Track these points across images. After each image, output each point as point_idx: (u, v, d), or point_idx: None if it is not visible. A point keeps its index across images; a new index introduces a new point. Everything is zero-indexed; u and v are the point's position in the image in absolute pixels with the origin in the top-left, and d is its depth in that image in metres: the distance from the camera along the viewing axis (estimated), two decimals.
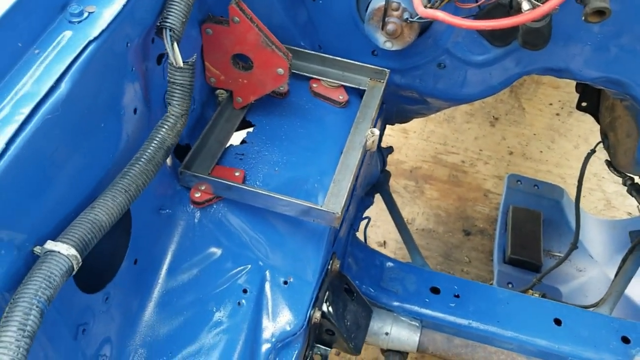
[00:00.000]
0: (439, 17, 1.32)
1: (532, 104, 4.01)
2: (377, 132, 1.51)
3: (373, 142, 1.52)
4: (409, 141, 3.80)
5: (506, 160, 3.74)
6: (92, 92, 1.04)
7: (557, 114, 3.95)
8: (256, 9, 1.48)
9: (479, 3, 1.46)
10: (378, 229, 3.31)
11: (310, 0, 1.75)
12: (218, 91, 1.61)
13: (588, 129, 3.83)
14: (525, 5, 1.27)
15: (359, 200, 2.14)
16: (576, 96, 2.39)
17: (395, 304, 1.93)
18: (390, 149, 2.45)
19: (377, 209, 2.49)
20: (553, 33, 1.45)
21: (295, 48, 1.73)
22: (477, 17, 1.56)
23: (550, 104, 3.99)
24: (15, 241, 0.93)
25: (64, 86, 0.95)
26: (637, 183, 2.32)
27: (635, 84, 1.68)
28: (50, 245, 0.95)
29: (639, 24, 1.56)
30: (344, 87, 1.74)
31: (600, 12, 1.24)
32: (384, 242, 3.30)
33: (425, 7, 1.44)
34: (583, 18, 1.25)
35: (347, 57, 1.77)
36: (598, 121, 2.42)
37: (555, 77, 1.83)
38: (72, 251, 0.95)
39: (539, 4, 1.26)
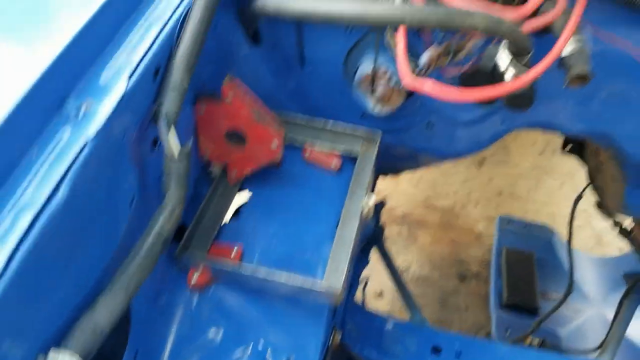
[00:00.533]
0: (425, 91, 1.34)
1: (517, 144, 4.07)
2: (372, 201, 1.52)
3: (369, 211, 1.52)
4: (400, 187, 3.82)
5: (495, 202, 3.76)
6: (91, 191, 1.03)
7: (542, 153, 4.01)
8: (246, 79, 1.50)
9: (463, 69, 1.49)
10: (374, 280, 3.28)
11: (298, 67, 1.78)
12: (212, 167, 1.61)
13: (572, 166, 3.87)
14: (509, 74, 1.30)
15: (356, 260, 2.13)
16: (559, 135, 2.43)
17: None
18: (382, 204, 2.45)
19: (372, 258, 2.48)
20: (537, 92, 1.48)
21: (286, 116, 1.74)
22: (461, 80, 1.60)
23: (534, 144, 4.05)
24: (19, 352, 0.90)
25: (62, 191, 0.93)
26: (625, 228, 2.34)
27: (619, 135, 1.72)
28: (53, 354, 0.93)
29: (618, 80, 1.60)
30: (337, 152, 1.75)
31: (581, 78, 1.27)
32: (381, 292, 3.28)
33: (412, 72, 1.47)
34: (564, 85, 1.28)
35: (338, 119, 1.79)
36: (584, 162, 2.45)
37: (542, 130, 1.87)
38: (76, 358, 0.93)
39: (523, 69, 1.29)
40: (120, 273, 1.07)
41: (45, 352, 0.93)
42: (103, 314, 1.00)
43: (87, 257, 1.04)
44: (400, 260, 3.41)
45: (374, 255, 2.45)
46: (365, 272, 2.28)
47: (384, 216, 3.49)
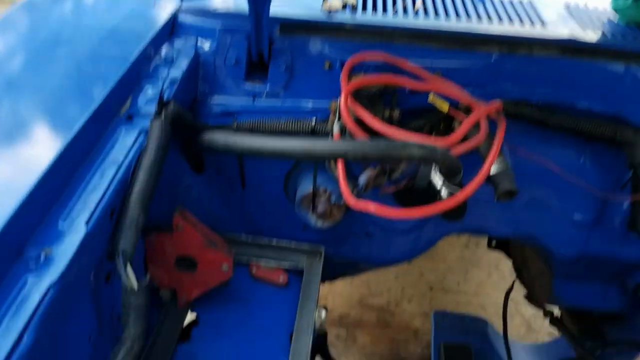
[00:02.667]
0: (371, 210, 1.44)
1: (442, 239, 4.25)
2: (324, 313, 1.57)
3: (321, 324, 1.56)
4: (334, 288, 3.86)
5: (428, 296, 3.87)
6: (53, 335, 1.02)
7: (467, 246, 4.21)
8: (193, 203, 1.55)
9: (399, 187, 1.61)
10: None
11: (240, 190, 1.85)
12: (161, 291, 1.61)
13: (497, 257, 4.08)
14: (444, 193, 1.43)
15: None
16: None
17: None
18: (326, 309, 2.48)
19: None
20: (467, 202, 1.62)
21: (232, 235, 1.79)
22: (397, 194, 1.72)
23: (459, 237, 4.26)
24: None
25: (26, 338, 0.93)
26: (556, 317, 2.48)
27: (542, 236, 1.88)
28: None
29: (537, 188, 1.79)
30: (283, 268, 1.80)
31: (509, 192, 1.42)
32: None
33: (352, 192, 1.58)
34: (495, 199, 1.42)
35: (280, 234, 1.85)
36: (509, 256, 2.62)
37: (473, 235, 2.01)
38: None
39: (456, 188, 1.42)
40: None
41: None
42: None
43: None
44: None
45: None
46: None
47: None
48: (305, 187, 1.73)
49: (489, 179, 1.42)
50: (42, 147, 1.19)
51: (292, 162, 1.78)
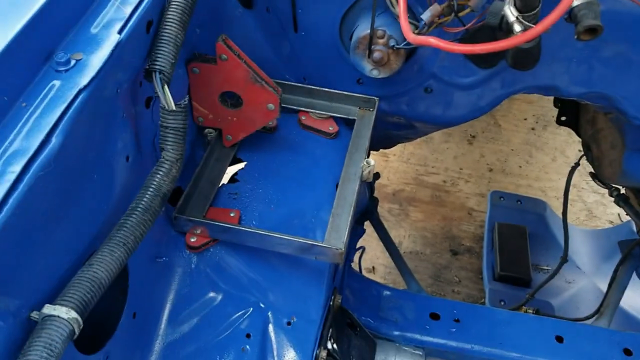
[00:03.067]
0: (432, 44, 1.30)
1: (508, 120, 4.05)
2: (372, 162, 1.49)
3: (369, 172, 1.49)
4: (390, 164, 3.79)
5: (487, 177, 3.75)
6: (84, 143, 0.99)
7: (533, 129, 4.00)
8: (239, 44, 1.45)
9: (467, 26, 1.45)
10: (366, 255, 3.25)
11: (292, 33, 1.73)
12: (207, 130, 1.57)
13: (564, 141, 3.88)
14: (517, 27, 1.26)
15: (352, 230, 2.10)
16: (550, 110, 2.42)
17: (396, 333, 1.89)
18: (377, 175, 2.42)
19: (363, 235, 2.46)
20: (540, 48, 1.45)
21: (281, 81, 1.70)
22: (462, 40, 1.56)
23: (525, 119, 4.04)
24: (10, 307, 0.86)
25: (55, 140, 0.89)
26: (623, 194, 2.33)
27: (621, 97, 1.69)
28: (48, 309, 0.88)
29: (621, 40, 1.58)
30: (333, 117, 1.71)
31: (592, 30, 1.24)
32: (373, 268, 3.26)
33: (414, 33, 1.44)
34: (576, 36, 1.25)
35: (333, 87, 1.75)
36: (579, 134, 2.44)
37: (540, 95, 1.85)
38: (73, 314, 0.89)
39: (531, 25, 1.26)
40: (119, 228, 1.04)
41: (40, 308, 0.89)
42: (101, 268, 0.95)
43: (82, 211, 1.00)
44: (393, 237, 3.33)
45: (365, 232, 2.42)
46: (359, 244, 2.26)
47: (375, 193, 3.48)
48: (362, 30, 1.59)
49: (571, 12, 1.24)
50: None
51: (349, 3, 1.63)
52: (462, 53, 1.51)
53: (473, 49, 1.28)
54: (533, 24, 1.25)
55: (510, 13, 1.26)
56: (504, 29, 1.31)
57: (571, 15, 1.24)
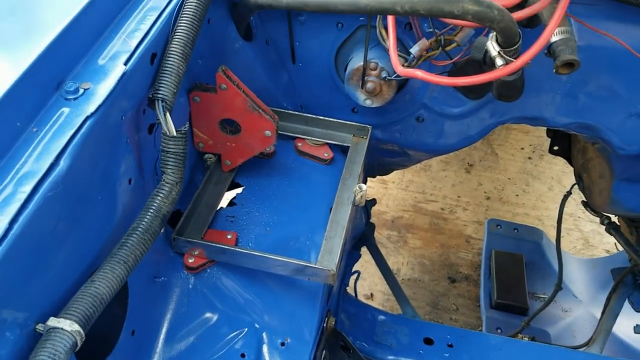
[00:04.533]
0: (418, 76, 1.38)
1: (505, 149, 4.12)
2: (364, 187, 1.55)
3: (361, 197, 1.55)
4: (389, 191, 3.86)
5: (484, 206, 3.80)
6: (90, 166, 1.05)
7: (529, 158, 4.06)
8: (239, 74, 1.53)
9: (453, 60, 1.53)
10: (364, 282, 3.31)
11: (290, 63, 1.82)
12: (206, 155, 1.64)
13: (560, 170, 3.94)
14: (499, 61, 1.34)
15: (348, 254, 2.15)
16: (546, 140, 2.48)
17: (391, 357, 1.93)
18: (373, 201, 2.49)
19: (362, 262, 2.50)
20: (525, 85, 1.52)
21: (279, 109, 1.78)
22: (450, 73, 1.64)
23: (522, 149, 4.11)
24: (18, 320, 0.92)
25: (63, 163, 0.96)
26: (614, 222, 2.38)
27: (605, 127, 1.76)
28: (53, 322, 0.94)
29: (603, 73, 1.65)
30: (328, 144, 1.78)
31: (569, 64, 1.31)
32: (371, 295, 3.29)
33: (403, 66, 1.51)
34: (554, 70, 1.32)
35: (329, 115, 1.82)
36: (571, 163, 2.50)
37: (529, 125, 1.91)
38: (76, 327, 0.94)
39: (512, 59, 1.33)
40: (120, 246, 1.09)
41: (45, 321, 0.95)
42: (103, 284, 1.01)
43: (86, 229, 1.06)
44: (391, 263, 3.40)
45: (363, 258, 2.47)
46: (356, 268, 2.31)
47: (374, 220, 3.53)
48: (356, 62, 1.67)
49: (550, 48, 1.31)
50: None
51: (344, 36, 1.71)
52: (446, 85, 1.57)
53: (457, 82, 1.35)
54: (514, 58, 1.32)
55: (493, 48, 1.33)
56: (488, 63, 1.39)
57: (550, 50, 1.32)
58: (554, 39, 1.30)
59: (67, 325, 0.93)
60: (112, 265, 1.05)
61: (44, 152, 0.96)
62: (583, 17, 1.51)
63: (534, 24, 1.49)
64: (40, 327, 0.95)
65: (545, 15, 1.33)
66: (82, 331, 0.94)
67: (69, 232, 1.01)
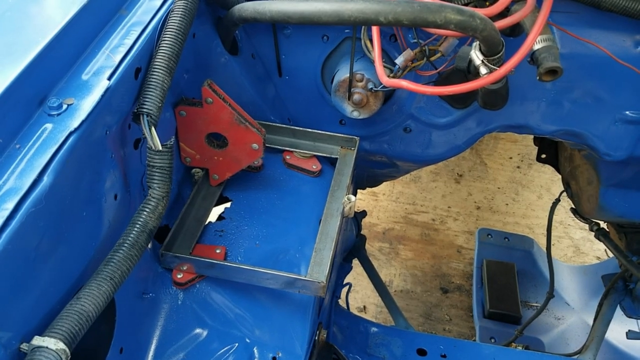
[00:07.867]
0: (403, 86, 1.39)
1: (493, 159, 4.14)
2: (353, 198, 1.55)
3: (350, 208, 1.55)
4: (379, 203, 3.86)
5: (474, 215, 3.81)
6: (74, 182, 1.04)
7: (518, 167, 4.08)
8: (226, 88, 1.53)
9: (438, 70, 1.54)
10: (357, 294, 3.30)
11: (277, 77, 1.82)
12: (194, 170, 1.63)
13: (549, 178, 3.96)
14: (483, 70, 1.35)
15: (339, 267, 2.15)
16: (535, 149, 2.49)
17: None
18: (364, 213, 2.48)
19: (354, 274, 2.50)
20: (510, 93, 1.53)
21: (266, 122, 1.78)
22: (436, 82, 1.65)
23: (510, 158, 4.13)
24: (1, 340, 0.90)
25: (46, 179, 0.95)
26: (603, 228, 2.39)
27: (591, 134, 1.77)
28: (37, 341, 0.92)
29: (587, 80, 1.67)
30: (316, 156, 1.78)
31: (552, 72, 1.32)
32: (364, 307, 3.28)
33: (388, 77, 1.52)
34: (537, 78, 1.33)
35: (316, 127, 1.82)
36: (559, 171, 2.51)
37: (515, 133, 1.92)
38: (61, 345, 0.92)
39: (495, 67, 1.34)
40: (106, 263, 1.08)
41: (30, 340, 0.93)
42: (88, 301, 1.00)
43: (71, 246, 1.05)
44: (383, 275, 3.41)
45: (355, 270, 2.46)
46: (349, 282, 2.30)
47: (365, 232, 3.52)
48: (342, 74, 1.68)
49: (532, 55, 1.33)
50: (67, 2, 1.19)
51: (330, 49, 1.72)
52: (431, 95, 1.58)
53: (442, 91, 1.36)
54: (498, 66, 1.33)
55: (477, 57, 1.34)
56: (472, 72, 1.39)
57: (533, 58, 1.33)
58: (536, 46, 1.32)
59: (52, 344, 0.92)
60: (98, 281, 1.04)
61: (27, 169, 0.95)
62: (565, 25, 1.53)
63: (517, 32, 1.50)
64: (24, 346, 0.93)
65: (527, 24, 1.34)
66: (67, 350, 0.93)
67: (54, 249, 1.00)
